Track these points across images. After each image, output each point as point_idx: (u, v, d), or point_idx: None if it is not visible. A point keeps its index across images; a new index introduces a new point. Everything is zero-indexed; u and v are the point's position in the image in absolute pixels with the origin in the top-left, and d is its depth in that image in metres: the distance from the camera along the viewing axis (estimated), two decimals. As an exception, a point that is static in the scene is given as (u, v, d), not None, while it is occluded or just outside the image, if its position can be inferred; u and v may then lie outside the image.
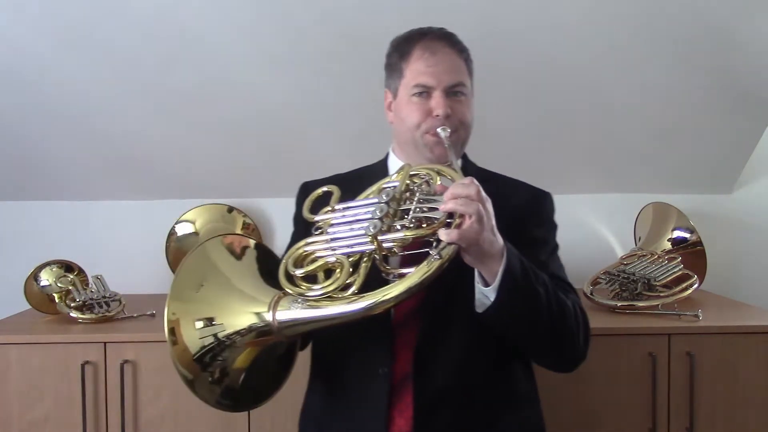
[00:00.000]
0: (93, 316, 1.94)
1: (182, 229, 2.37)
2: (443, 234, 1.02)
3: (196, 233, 2.38)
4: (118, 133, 2.20)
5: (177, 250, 2.35)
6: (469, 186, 1.04)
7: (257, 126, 2.19)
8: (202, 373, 1.08)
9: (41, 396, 1.77)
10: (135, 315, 1.97)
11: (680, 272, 2.03)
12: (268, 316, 1.09)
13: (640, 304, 1.95)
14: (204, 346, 1.07)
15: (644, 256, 2.14)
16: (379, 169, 1.35)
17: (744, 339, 1.76)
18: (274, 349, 1.16)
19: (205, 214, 2.40)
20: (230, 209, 2.40)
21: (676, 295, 1.95)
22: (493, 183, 1.17)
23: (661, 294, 1.98)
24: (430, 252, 1.03)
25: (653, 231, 2.28)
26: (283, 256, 1.18)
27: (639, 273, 2.04)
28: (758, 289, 2.37)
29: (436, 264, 1.01)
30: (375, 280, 1.06)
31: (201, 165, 2.31)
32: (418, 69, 1.24)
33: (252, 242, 1.23)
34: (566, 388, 1.75)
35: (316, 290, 1.07)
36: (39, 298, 2.03)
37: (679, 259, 2.08)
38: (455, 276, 1.10)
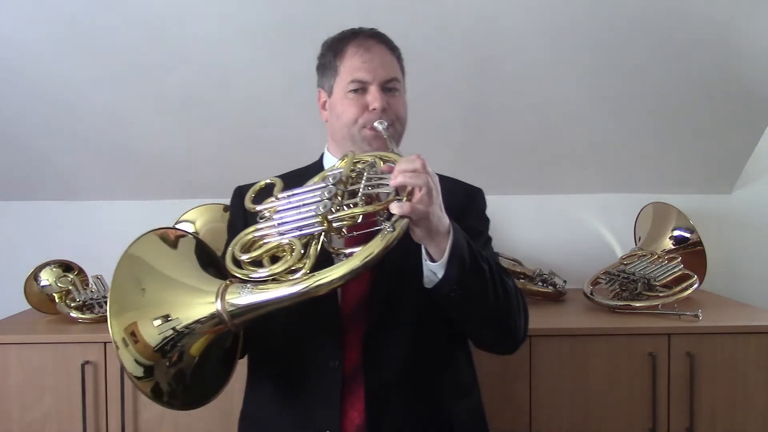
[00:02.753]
0: (93, 316, 1.94)
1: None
2: (395, 207, 1.02)
3: (196, 233, 2.38)
4: (118, 133, 2.21)
5: (177, 250, 2.35)
6: (415, 161, 1.06)
7: (258, 126, 2.19)
8: (162, 359, 1.04)
9: (41, 396, 1.77)
10: (135, 315, 1.97)
11: (680, 272, 2.03)
12: (218, 305, 1.06)
13: (640, 304, 1.95)
14: (165, 338, 1.04)
15: (644, 256, 2.14)
16: (316, 170, 1.34)
17: (744, 339, 1.76)
18: (222, 340, 1.12)
19: (205, 214, 2.40)
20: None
21: (676, 295, 1.96)
22: None
23: (661, 294, 1.98)
24: (383, 227, 1.01)
25: (653, 231, 2.28)
26: (226, 247, 1.15)
27: (639, 273, 2.04)
28: (758, 289, 2.38)
29: (388, 237, 0.99)
30: (327, 262, 1.05)
31: (201, 165, 2.32)
32: (353, 65, 1.26)
33: (188, 234, 1.19)
34: (566, 388, 1.76)
35: (263, 273, 1.05)
36: (39, 298, 2.03)
37: (679, 259, 2.09)
38: (399, 267, 1.13)
